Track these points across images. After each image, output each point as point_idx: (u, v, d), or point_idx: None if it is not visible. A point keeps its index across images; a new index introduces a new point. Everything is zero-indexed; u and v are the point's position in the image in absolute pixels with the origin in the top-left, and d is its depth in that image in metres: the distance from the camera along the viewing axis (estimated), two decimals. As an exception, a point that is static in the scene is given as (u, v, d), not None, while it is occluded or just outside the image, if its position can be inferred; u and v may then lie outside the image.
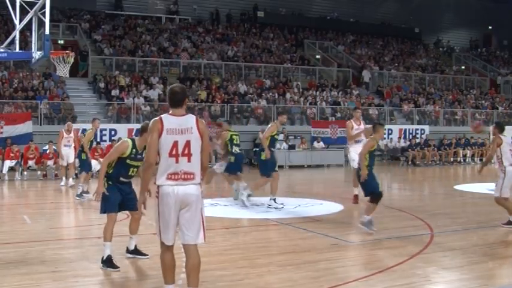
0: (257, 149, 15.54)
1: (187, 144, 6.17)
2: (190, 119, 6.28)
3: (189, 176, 6.17)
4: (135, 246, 8.82)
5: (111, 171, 8.29)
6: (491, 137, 14.59)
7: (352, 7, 46.79)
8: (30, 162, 22.10)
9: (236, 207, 14.07)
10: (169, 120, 6.22)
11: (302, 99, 33.60)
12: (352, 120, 15.12)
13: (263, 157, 13.92)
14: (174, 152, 6.14)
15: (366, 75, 38.22)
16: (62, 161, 19.40)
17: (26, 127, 24.15)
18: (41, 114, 26.21)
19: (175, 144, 6.14)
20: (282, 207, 13.81)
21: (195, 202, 6.19)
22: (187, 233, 6.20)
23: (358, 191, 14.62)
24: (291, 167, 27.81)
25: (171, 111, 6.31)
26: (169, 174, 6.13)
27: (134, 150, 8.24)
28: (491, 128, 14.05)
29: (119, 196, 8.35)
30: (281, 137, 28.69)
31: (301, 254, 9.13)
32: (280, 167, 27.93)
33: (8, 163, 21.66)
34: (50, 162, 22.10)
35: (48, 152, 22.22)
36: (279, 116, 14.95)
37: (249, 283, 7.57)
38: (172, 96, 6.34)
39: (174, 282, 6.45)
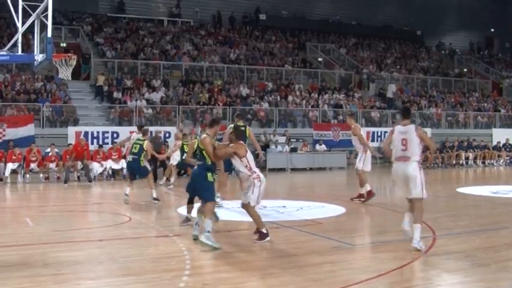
0: None
1: None
2: None
3: None
4: None
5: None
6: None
7: (354, 10, 46.77)
8: (33, 165, 21.97)
9: (239, 209, 14.05)
10: None
11: (304, 101, 33.60)
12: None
13: None
14: None
15: (390, 89, 37.41)
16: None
17: (28, 130, 24.14)
18: (43, 117, 26.18)
19: None
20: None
21: None
22: None
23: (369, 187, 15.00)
24: (293, 169, 27.79)
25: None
26: None
27: None
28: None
29: None
30: (283, 139, 28.76)
31: (303, 257, 9.12)
32: (282, 169, 28.14)
33: (10, 166, 21.64)
34: (52, 165, 22.07)
35: (50, 154, 22.23)
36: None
37: (251, 286, 7.57)
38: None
39: None
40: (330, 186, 22.67)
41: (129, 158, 15.97)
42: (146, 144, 15.88)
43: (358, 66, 40.47)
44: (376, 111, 34.78)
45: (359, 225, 12.73)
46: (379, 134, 31.49)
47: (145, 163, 16.11)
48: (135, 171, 15.84)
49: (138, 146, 15.78)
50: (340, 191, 20.31)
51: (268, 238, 10.06)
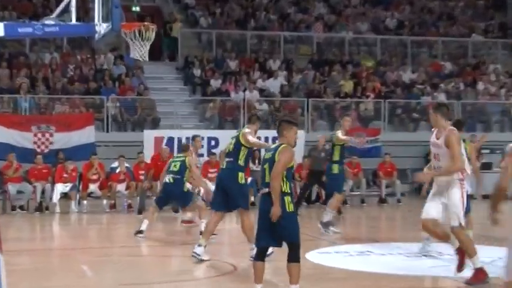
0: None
1: None
2: None
3: None
4: None
5: None
6: None
7: None
8: (92, 187, 22.39)
9: (399, 257, 13.94)
10: None
11: (503, 91, 32.93)
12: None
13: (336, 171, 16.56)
14: None
15: None
16: None
17: (85, 135, 24.22)
18: (107, 116, 26.75)
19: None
20: None
21: None
22: None
23: None
24: (485, 196, 27.22)
25: None
26: None
27: None
28: None
29: None
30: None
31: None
32: (470, 196, 27.28)
33: (60, 188, 21.89)
34: (121, 187, 22.35)
35: (118, 171, 22.50)
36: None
37: None
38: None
39: None
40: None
41: (168, 178, 17.08)
42: (189, 160, 17.17)
43: None
44: None
45: None
46: None
47: (188, 187, 17.65)
48: (173, 196, 17.64)
49: (179, 163, 17.16)
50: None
51: None
